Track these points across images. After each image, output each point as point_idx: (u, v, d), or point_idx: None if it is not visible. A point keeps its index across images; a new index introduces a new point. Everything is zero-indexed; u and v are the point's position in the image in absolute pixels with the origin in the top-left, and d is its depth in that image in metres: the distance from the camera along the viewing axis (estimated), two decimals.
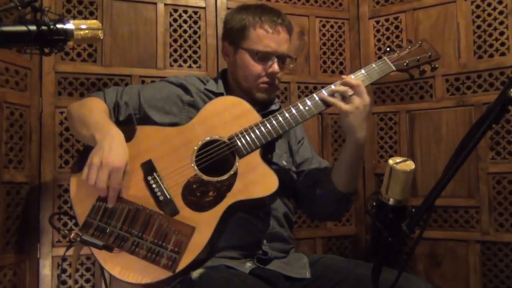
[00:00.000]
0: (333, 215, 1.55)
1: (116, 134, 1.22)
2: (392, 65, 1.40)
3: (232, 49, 1.43)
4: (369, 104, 1.29)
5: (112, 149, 1.17)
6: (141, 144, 1.29)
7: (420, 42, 1.46)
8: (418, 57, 1.42)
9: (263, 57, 1.37)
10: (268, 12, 1.40)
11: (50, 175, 1.67)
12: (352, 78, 1.32)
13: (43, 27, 0.89)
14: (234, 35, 1.42)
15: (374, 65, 1.39)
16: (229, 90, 1.45)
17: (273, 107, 1.47)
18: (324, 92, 1.33)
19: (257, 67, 1.38)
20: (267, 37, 1.36)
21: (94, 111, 1.31)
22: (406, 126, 1.99)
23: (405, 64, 1.41)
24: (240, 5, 1.50)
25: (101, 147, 1.17)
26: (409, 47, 1.44)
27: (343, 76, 1.33)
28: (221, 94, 1.42)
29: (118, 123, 1.33)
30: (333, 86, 1.33)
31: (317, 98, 1.33)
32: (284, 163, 1.44)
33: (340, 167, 1.38)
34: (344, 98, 1.29)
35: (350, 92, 1.28)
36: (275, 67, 1.37)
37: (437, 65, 1.45)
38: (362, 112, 1.27)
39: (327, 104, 1.32)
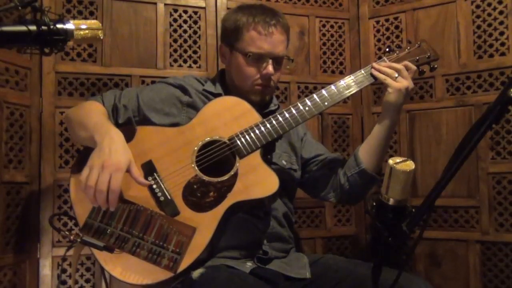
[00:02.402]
0: (359, 197, 1.55)
1: (115, 135, 1.21)
2: None
3: (228, 50, 1.43)
4: (412, 89, 1.39)
5: (112, 150, 1.15)
6: (141, 145, 1.29)
7: (419, 43, 1.46)
8: (417, 58, 1.43)
9: (256, 59, 1.36)
10: (262, 12, 1.37)
11: (50, 175, 1.67)
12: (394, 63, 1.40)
13: (43, 27, 0.89)
14: (229, 36, 1.41)
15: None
16: (228, 91, 1.44)
17: (272, 107, 1.47)
18: (375, 68, 1.38)
19: (251, 69, 1.37)
20: (260, 38, 1.35)
21: (93, 113, 1.30)
22: (406, 126, 1.99)
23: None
24: (238, 5, 1.50)
25: (101, 149, 1.16)
26: (408, 47, 1.45)
27: (385, 59, 1.41)
28: (219, 95, 1.42)
29: (117, 126, 1.32)
30: (377, 65, 1.39)
31: (363, 73, 1.39)
32: (284, 162, 1.44)
33: (372, 148, 1.43)
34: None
35: (396, 74, 1.36)
36: (270, 69, 1.35)
37: (436, 66, 1.46)
38: (407, 93, 1.38)
39: (375, 78, 1.39)
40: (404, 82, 1.36)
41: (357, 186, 1.44)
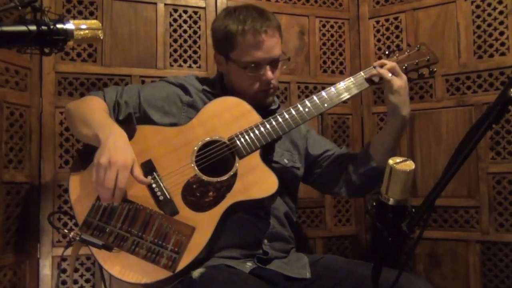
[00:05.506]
0: (370, 190, 1.54)
1: (119, 133, 1.21)
2: None
3: (223, 59, 1.41)
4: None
5: (118, 148, 1.16)
6: (141, 144, 1.29)
7: (418, 46, 1.47)
8: (417, 61, 1.43)
9: (253, 68, 1.35)
10: (251, 19, 1.33)
11: (50, 175, 1.67)
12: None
13: (43, 27, 0.89)
14: (221, 45, 1.39)
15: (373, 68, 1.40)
16: (227, 92, 1.44)
17: (272, 106, 1.47)
18: (372, 71, 1.38)
19: (250, 79, 1.36)
20: (253, 47, 1.33)
21: (95, 110, 1.31)
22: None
23: (403, 67, 1.41)
24: (224, 8, 1.47)
25: (106, 147, 1.16)
26: (408, 50, 1.46)
27: (375, 64, 1.40)
28: (218, 95, 1.42)
29: (118, 122, 1.32)
30: (372, 68, 1.39)
31: (363, 74, 1.39)
32: (286, 161, 1.44)
33: (384, 145, 1.41)
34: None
35: (389, 74, 1.35)
36: (268, 75, 1.35)
37: (435, 69, 1.46)
38: (406, 89, 1.36)
39: (371, 82, 1.38)
40: (401, 80, 1.35)
41: (368, 181, 1.45)
